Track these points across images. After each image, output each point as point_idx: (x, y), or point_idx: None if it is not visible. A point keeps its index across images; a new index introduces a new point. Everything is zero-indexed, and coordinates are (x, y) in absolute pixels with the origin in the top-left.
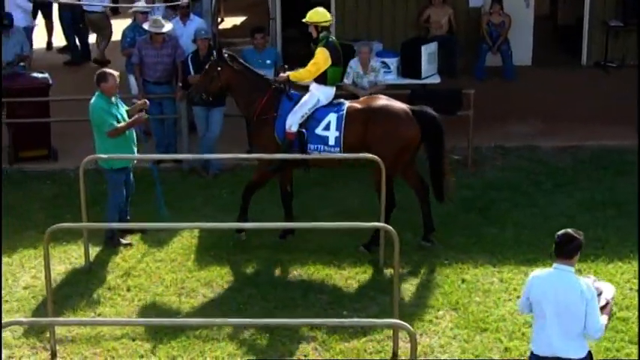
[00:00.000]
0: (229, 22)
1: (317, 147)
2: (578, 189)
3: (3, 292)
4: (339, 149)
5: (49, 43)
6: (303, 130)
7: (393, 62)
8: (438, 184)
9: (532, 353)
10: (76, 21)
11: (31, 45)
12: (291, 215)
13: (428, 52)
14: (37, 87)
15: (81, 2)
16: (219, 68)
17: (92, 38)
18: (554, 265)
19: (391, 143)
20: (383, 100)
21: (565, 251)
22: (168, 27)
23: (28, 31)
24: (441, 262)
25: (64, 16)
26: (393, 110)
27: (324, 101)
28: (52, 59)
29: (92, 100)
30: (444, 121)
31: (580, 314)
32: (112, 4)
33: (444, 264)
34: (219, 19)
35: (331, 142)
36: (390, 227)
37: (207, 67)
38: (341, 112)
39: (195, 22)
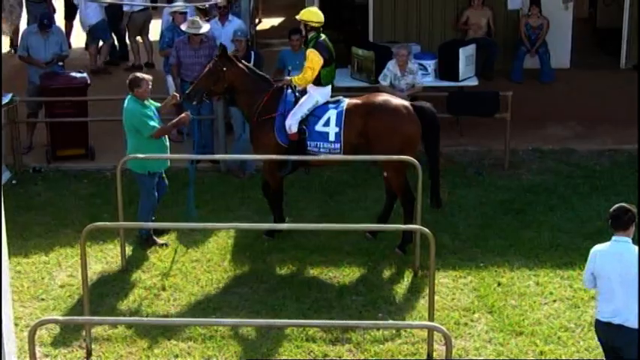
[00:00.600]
0: (267, 23)
1: (317, 144)
2: (615, 192)
3: (40, 290)
4: (339, 145)
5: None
6: (304, 127)
7: (430, 64)
8: (435, 187)
9: (598, 321)
10: (116, 22)
11: (112, 42)
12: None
13: (466, 54)
14: (76, 86)
15: (126, 2)
16: (224, 68)
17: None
18: (613, 238)
19: (392, 139)
20: (383, 96)
21: (622, 223)
22: (205, 28)
23: (105, 22)
24: (477, 264)
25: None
26: (393, 105)
27: (322, 101)
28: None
29: (127, 105)
30: (481, 123)
31: None
32: (152, 4)
33: (480, 267)
34: (256, 20)
35: (331, 137)
36: (427, 230)
37: (210, 66)
38: (340, 109)
39: (234, 23)
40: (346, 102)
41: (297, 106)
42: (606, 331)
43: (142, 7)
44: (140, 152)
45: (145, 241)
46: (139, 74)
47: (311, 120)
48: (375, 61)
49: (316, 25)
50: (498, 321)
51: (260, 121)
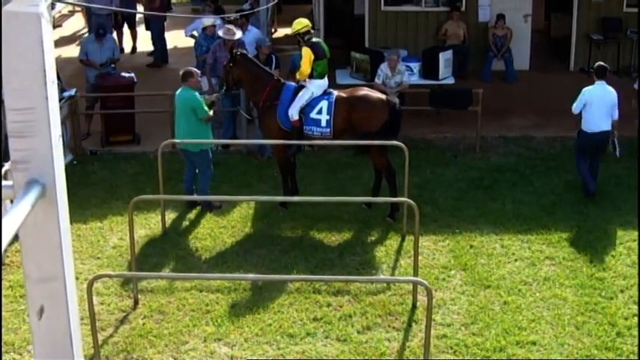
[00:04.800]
0: (281, 32)
1: (311, 128)
2: (565, 171)
3: (96, 250)
4: (329, 130)
5: (134, 48)
6: (302, 115)
7: (415, 66)
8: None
9: (586, 133)
10: (162, 31)
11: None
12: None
13: (444, 58)
14: (125, 84)
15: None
16: (231, 64)
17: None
18: (597, 82)
19: (371, 126)
20: (364, 91)
21: (602, 73)
22: (238, 35)
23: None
24: (453, 230)
25: (154, 26)
26: (370, 99)
27: (317, 92)
28: (137, 61)
29: (182, 93)
30: (457, 114)
31: (613, 106)
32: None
33: (456, 232)
34: (273, 30)
35: (323, 124)
36: (412, 202)
37: (224, 64)
38: (331, 100)
39: (253, 32)
40: (335, 94)
41: (296, 98)
42: (594, 136)
43: None
44: (191, 133)
45: (207, 208)
46: (190, 68)
47: (307, 109)
48: (371, 63)
49: (303, 30)
50: (470, 276)
51: (265, 106)
